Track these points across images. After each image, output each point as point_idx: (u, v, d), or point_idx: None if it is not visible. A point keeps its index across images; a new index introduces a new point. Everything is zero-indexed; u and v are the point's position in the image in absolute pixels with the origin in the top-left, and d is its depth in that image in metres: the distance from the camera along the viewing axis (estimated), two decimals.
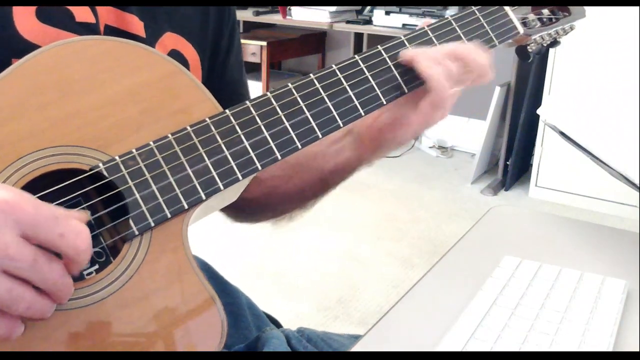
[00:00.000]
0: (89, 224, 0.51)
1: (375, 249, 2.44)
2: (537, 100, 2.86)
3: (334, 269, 2.29)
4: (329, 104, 0.60)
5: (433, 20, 0.68)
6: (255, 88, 3.41)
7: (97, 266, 0.53)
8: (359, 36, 3.46)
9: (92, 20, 0.60)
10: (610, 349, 0.56)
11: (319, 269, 2.28)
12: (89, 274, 0.52)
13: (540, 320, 0.59)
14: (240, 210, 0.80)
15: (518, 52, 0.74)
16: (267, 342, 0.72)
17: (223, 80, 0.75)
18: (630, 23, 2.42)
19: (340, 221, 2.60)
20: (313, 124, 0.58)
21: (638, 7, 2.36)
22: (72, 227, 0.43)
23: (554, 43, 0.76)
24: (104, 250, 0.53)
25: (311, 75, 0.60)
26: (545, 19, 0.73)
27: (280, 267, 2.30)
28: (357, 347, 0.58)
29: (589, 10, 0.76)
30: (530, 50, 0.73)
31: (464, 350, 0.55)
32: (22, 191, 0.45)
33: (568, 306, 0.61)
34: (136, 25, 0.63)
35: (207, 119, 0.55)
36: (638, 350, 0.57)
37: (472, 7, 0.69)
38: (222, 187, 0.54)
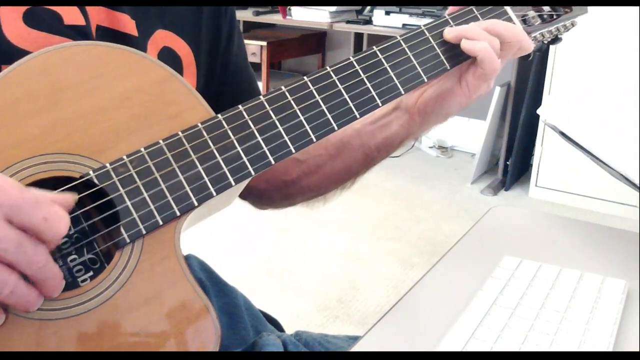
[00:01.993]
0: (82, 231, 0.51)
1: (375, 249, 2.44)
2: (537, 100, 2.85)
3: (334, 269, 2.29)
4: (323, 107, 0.59)
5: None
6: None
7: (91, 273, 0.52)
8: (359, 36, 3.46)
9: (81, 22, 0.59)
10: (610, 349, 0.55)
11: (319, 269, 2.28)
12: (83, 281, 0.52)
13: (540, 320, 0.59)
14: (272, 195, 0.79)
15: None
16: (263, 348, 0.71)
17: (228, 70, 0.74)
18: (630, 23, 2.42)
19: (340, 221, 2.59)
20: (307, 127, 0.58)
21: (638, 7, 2.36)
22: (55, 212, 0.44)
23: (555, 40, 0.75)
24: (98, 256, 0.52)
25: (305, 77, 0.59)
26: (545, 16, 0.72)
27: (281, 267, 2.30)
28: (357, 348, 0.57)
29: (589, 10, 0.75)
30: None
31: (464, 350, 0.55)
32: (5, 176, 0.44)
33: (568, 306, 0.61)
34: (128, 24, 0.63)
35: (199, 124, 0.54)
36: (638, 350, 0.57)
37: (472, 6, 0.68)
38: (214, 193, 0.53)
